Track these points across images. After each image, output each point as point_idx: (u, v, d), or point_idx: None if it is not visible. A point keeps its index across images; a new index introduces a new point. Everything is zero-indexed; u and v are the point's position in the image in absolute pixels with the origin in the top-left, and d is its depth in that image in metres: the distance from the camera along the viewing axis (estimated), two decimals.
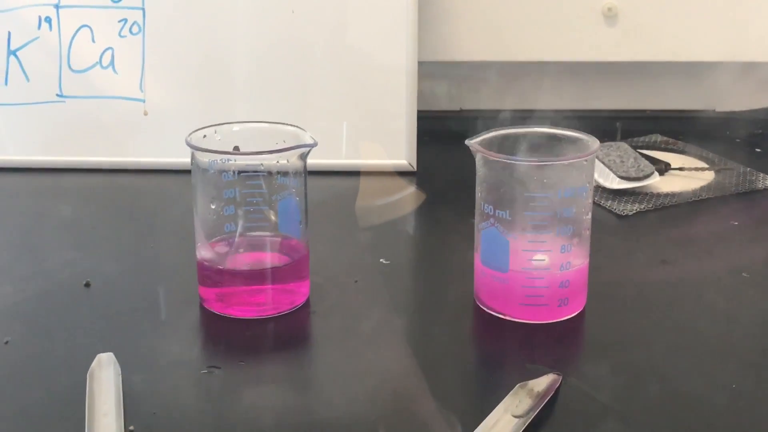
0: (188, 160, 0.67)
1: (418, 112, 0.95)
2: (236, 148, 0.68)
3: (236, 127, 0.70)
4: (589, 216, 0.66)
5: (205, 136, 0.68)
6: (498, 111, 1.00)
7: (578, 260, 0.66)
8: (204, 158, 0.66)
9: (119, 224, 0.85)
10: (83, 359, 0.60)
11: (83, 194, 0.92)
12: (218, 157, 0.66)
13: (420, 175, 0.94)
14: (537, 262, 0.65)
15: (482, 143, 0.66)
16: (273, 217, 0.68)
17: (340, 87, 0.95)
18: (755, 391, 0.59)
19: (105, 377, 0.58)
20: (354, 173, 0.94)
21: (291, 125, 0.69)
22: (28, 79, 0.95)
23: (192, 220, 0.69)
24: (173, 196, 0.89)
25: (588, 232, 0.67)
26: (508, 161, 0.64)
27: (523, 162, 0.65)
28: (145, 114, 0.95)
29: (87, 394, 0.57)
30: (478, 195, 0.67)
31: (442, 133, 1.02)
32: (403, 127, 0.95)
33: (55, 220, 0.86)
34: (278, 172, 0.67)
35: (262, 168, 0.67)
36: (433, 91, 1.07)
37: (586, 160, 0.65)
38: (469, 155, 0.66)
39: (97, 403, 0.56)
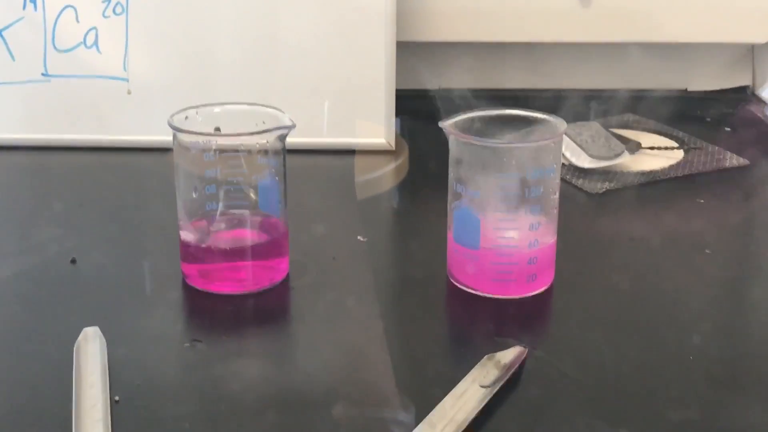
0: (171, 138, 0.69)
1: (397, 90, 0.97)
2: (217, 129, 0.70)
3: (217, 109, 0.71)
4: (557, 195, 0.69)
5: (187, 117, 0.70)
6: (475, 90, 1.02)
7: (546, 238, 0.68)
8: (186, 139, 0.68)
9: (104, 201, 0.87)
10: (70, 333, 0.62)
11: (68, 172, 0.94)
12: (200, 138, 0.68)
13: (398, 153, 0.96)
14: (506, 239, 0.68)
15: (455, 125, 0.68)
16: (253, 196, 0.70)
17: (320, 67, 0.96)
18: (720, 365, 0.62)
19: (91, 350, 0.61)
20: (333, 152, 0.96)
21: (271, 107, 0.71)
22: (13, 59, 0.97)
23: (175, 198, 0.71)
24: (156, 173, 0.91)
25: (556, 211, 0.69)
26: (479, 143, 0.67)
27: (493, 144, 0.67)
28: (129, 93, 0.97)
29: (74, 366, 0.59)
30: (450, 175, 0.69)
31: (419, 112, 1.04)
32: (382, 106, 0.96)
33: (40, 197, 0.88)
34: (258, 152, 0.69)
35: (243, 148, 0.69)
36: (412, 70, 1.08)
37: (554, 142, 0.67)
38: (444, 134, 0.69)
39: (83, 375, 0.58)
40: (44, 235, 0.78)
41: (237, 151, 0.69)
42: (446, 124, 0.68)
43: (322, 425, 0.56)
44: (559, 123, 0.68)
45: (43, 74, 0.97)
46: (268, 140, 0.69)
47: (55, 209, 0.85)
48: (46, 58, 0.97)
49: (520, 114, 0.70)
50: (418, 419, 0.55)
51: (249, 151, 0.69)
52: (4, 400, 0.58)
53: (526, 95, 0.99)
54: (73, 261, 0.74)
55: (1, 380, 0.60)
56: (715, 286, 0.73)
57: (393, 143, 0.97)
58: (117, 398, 0.57)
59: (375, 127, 0.97)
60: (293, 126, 0.69)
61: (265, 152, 0.69)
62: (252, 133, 0.68)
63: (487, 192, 0.67)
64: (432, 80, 1.09)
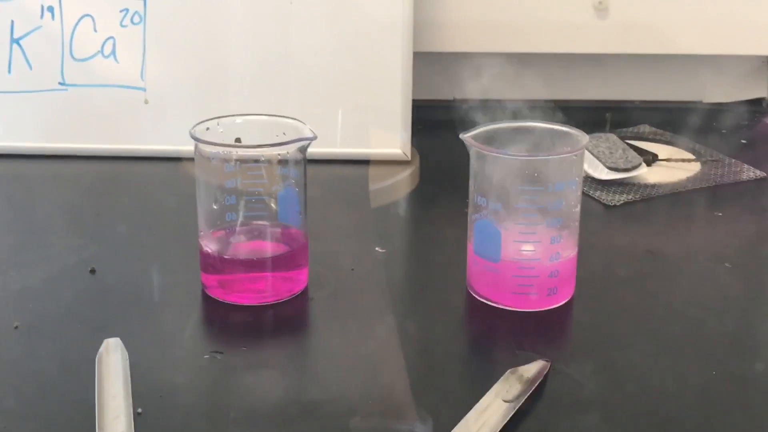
0: (188, 148, 0.69)
1: (413, 101, 0.97)
2: (238, 140, 0.70)
3: (239, 120, 0.72)
4: (578, 208, 0.69)
5: (208, 128, 0.70)
6: (491, 101, 1.02)
7: (567, 251, 0.68)
8: (207, 149, 0.68)
9: (121, 211, 0.87)
10: (91, 344, 0.62)
11: (85, 181, 0.94)
12: (221, 148, 0.68)
13: (413, 164, 0.96)
14: (527, 252, 0.68)
15: (476, 137, 0.68)
16: (273, 207, 0.71)
17: (336, 76, 0.97)
18: (728, 385, 0.62)
19: (113, 361, 0.61)
20: (349, 162, 0.96)
21: (291, 118, 0.71)
22: (30, 68, 0.97)
23: (193, 207, 0.71)
24: (174, 183, 0.91)
25: (577, 224, 0.69)
26: (501, 155, 0.67)
27: (515, 156, 0.67)
28: (146, 102, 0.97)
29: (96, 377, 0.59)
30: (471, 187, 0.69)
31: (435, 122, 1.04)
32: (398, 116, 0.97)
33: (58, 207, 0.88)
34: (278, 163, 0.69)
35: (263, 159, 0.69)
36: (427, 81, 1.09)
37: (575, 155, 0.67)
38: (462, 145, 0.68)
39: (106, 386, 0.58)
40: (63, 244, 0.79)
41: (257, 161, 0.69)
42: (467, 136, 0.68)
43: None
44: (581, 136, 0.68)
45: (60, 83, 0.97)
46: (288, 151, 0.69)
47: (72, 219, 0.85)
48: (63, 67, 0.97)
49: (541, 126, 0.70)
50: None
51: (269, 162, 0.69)
52: (27, 411, 0.58)
53: (543, 105, 0.98)
54: (93, 271, 0.74)
55: (23, 392, 0.60)
56: (734, 299, 0.73)
57: (409, 153, 0.97)
58: (140, 410, 0.57)
59: (391, 138, 0.97)
60: (314, 137, 0.69)
61: (286, 163, 0.70)
62: (273, 145, 0.68)
63: (508, 204, 0.67)
64: (448, 91, 1.10)
